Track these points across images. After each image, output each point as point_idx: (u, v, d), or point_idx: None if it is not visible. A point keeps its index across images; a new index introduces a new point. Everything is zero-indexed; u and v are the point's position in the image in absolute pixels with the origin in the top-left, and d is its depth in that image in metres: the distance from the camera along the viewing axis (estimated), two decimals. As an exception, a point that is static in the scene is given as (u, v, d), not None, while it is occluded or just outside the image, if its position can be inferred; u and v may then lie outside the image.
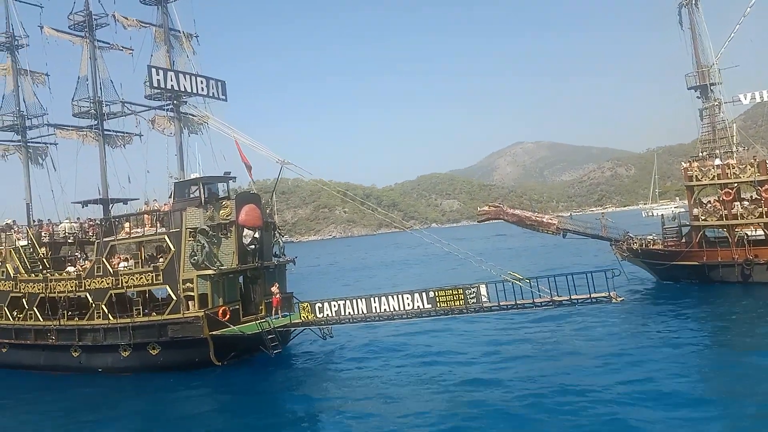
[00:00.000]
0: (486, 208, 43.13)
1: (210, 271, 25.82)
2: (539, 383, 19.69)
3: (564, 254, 63.69)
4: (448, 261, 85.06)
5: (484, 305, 21.94)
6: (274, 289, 27.65)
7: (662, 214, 52.70)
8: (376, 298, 23.99)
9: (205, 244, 25.86)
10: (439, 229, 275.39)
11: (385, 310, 23.75)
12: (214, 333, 25.51)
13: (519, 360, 23.12)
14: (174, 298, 26.24)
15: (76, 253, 33.99)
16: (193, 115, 30.35)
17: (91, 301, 28.11)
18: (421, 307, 23.02)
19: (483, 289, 22.00)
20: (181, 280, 26.11)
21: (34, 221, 34.40)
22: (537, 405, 17.73)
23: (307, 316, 25.46)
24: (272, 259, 29.02)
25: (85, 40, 31.59)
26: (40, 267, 31.55)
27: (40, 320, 29.57)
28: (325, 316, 25.05)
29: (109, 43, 32.58)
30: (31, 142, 35.49)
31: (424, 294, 23.03)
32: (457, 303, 22.31)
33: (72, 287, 28.72)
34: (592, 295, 20.69)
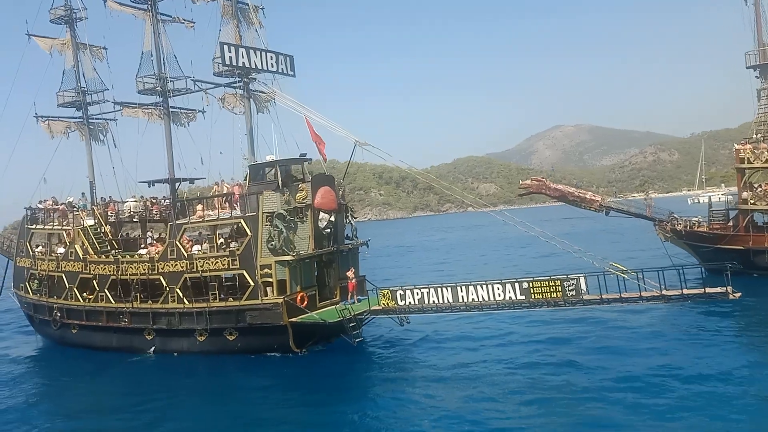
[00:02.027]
0: (528, 181, 41.88)
1: (288, 257, 25.07)
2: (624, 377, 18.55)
3: (607, 240, 61.86)
4: (488, 246, 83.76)
5: (584, 298, 20.70)
6: (350, 273, 26.83)
7: (710, 197, 51.65)
8: (463, 287, 22.99)
9: (283, 229, 25.08)
10: (476, 213, 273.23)
11: (473, 299, 22.75)
12: (293, 320, 24.82)
13: (589, 353, 21.93)
14: (251, 283, 25.58)
15: (144, 234, 33.71)
16: (263, 92, 29.39)
17: (165, 284, 27.65)
18: (514, 297, 21.93)
19: (582, 281, 20.76)
20: (258, 266, 25.41)
21: (102, 198, 34.04)
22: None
23: (387, 304, 24.58)
24: (345, 242, 28.20)
25: (148, 13, 30.59)
26: (108, 247, 31.26)
27: (111, 302, 29.28)
28: (406, 304, 24.15)
29: (170, 16, 31.42)
30: (93, 119, 34.89)
31: (516, 284, 21.93)
32: (554, 295, 21.14)
33: (145, 270, 28.30)
34: (707, 290, 19.32)
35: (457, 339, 26.57)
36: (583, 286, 20.74)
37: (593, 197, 38.75)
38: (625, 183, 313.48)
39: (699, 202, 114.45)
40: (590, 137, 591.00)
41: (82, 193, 34.19)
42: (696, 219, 40.17)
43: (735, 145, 38.46)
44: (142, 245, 30.26)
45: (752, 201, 35.44)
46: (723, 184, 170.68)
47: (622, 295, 20.29)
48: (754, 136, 38.22)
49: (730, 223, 37.61)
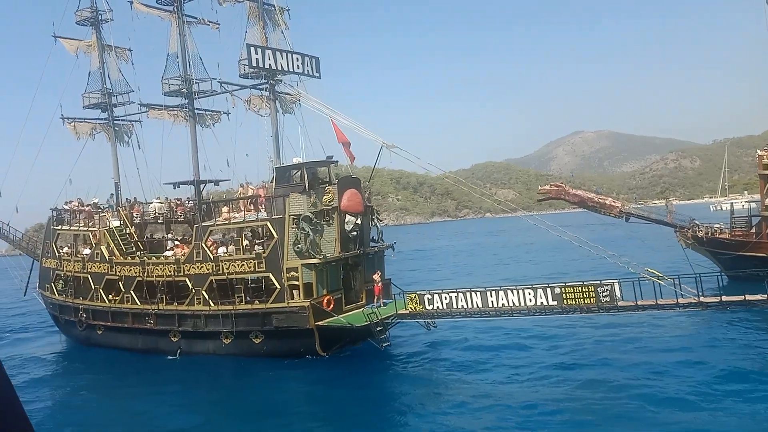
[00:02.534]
0: (547, 187, 41.34)
1: (315, 260, 24.86)
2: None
3: (629, 246, 60.95)
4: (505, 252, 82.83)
5: (619, 304, 20.20)
6: (376, 276, 26.55)
7: (732, 203, 50.78)
8: (493, 292, 22.58)
9: (309, 232, 24.88)
10: (493, 219, 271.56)
11: (503, 305, 22.32)
12: (320, 323, 24.59)
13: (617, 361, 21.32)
14: (277, 286, 25.39)
15: (167, 235, 33.75)
16: (288, 94, 29.26)
17: (190, 286, 27.57)
18: (545, 303, 21.47)
19: (617, 287, 20.27)
20: (285, 269, 25.22)
21: (128, 200, 34.12)
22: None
23: (414, 308, 24.25)
24: (371, 245, 27.93)
25: (174, 15, 30.65)
26: (133, 249, 31.30)
27: (137, 304, 29.28)
28: (434, 308, 23.79)
29: (196, 18, 31.51)
30: (118, 120, 35.02)
31: (548, 289, 21.48)
32: (588, 301, 20.66)
33: (171, 272, 28.25)
34: (747, 297, 18.71)
35: (484, 343, 26.21)
36: (618, 292, 20.26)
37: (613, 203, 38.31)
38: (646, 190, 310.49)
39: (722, 209, 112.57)
40: (610, 143, 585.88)
41: (111, 194, 34.28)
42: (718, 226, 39.61)
43: (758, 151, 37.68)
44: (168, 247, 30.23)
45: None
46: (746, 192, 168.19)
47: (658, 302, 19.78)
48: None
49: (753, 230, 36.87)
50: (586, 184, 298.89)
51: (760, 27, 38.21)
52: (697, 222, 39.94)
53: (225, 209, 28.04)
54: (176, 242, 31.98)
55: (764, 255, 34.45)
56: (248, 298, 26.52)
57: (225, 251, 27.44)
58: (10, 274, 40.55)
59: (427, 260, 75.14)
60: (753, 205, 46.85)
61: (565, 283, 21.59)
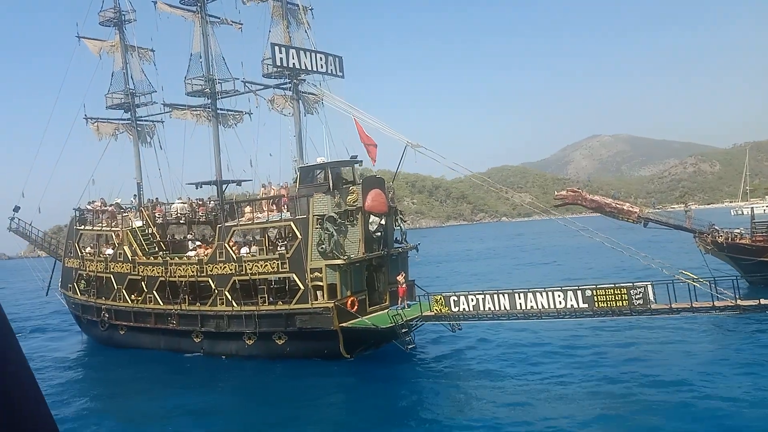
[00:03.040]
0: (564, 192, 40.84)
1: (339, 261, 24.59)
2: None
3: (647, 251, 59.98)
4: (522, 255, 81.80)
5: (653, 307, 19.69)
6: (400, 278, 26.20)
7: (752, 208, 49.62)
8: (522, 294, 22.16)
9: (333, 232, 24.63)
10: (509, 223, 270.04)
11: (531, 307, 21.88)
12: (344, 325, 24.31)
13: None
14: (301, 287, 25.17)
15: (188, 235, 33.72)
16: (312, 94, 29.09)
17: (213, 287, 27.44)
18: (576, 306, 21.00)
19: (650, 289, 19.77)
20: (308, 269, 24.99)
21: (150, 200, 34.14)
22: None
23: (440, 309, 23.88)
24: (394, 246, 27.63)
25: (197, 15, 30.64)
26: (156, 249, 31.27)
27: (160, 304, 29.21)
28: (461, 310, 23.41)
29: (218, 18, 31.52)
30: (140, 121, 35.07)
31: (579, 291, 21.02)
32: (620, 303, 20.17)
33: (193, 272, 28.15)
34: (787, 301, 18.15)
35: (510, 346, 25.74)
36: (651, 295, 19.76)
37: (631, 208, 37.67)
38: (664, 194, 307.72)
39: (743, 213, 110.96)
40: (628, 147, 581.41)
41: (134, 195, 34.35)
42: (738, 231, 38.89)
43: None
44: (191, 248, 30.17)
45: None
46: (767, 196, 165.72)
47: (694, 305, 19.23)
48: None
49: None
50: (604, 188, 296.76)
51: None
52: (716, 227, 39.25)
53: (248, 209, 27.89)
54: (197, 243, 31.93)
55: None
56: (271, 299, 26.33)
57: (248, 251, 27.28)
58: (32, 275, 40.76)
59: (446, 263, 74.75)
60: None
61: (595, 285, 21.11)
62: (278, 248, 26.42)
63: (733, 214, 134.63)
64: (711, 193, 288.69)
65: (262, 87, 28.08)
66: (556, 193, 42.87)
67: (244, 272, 26.62)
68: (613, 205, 38.17)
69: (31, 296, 57.34)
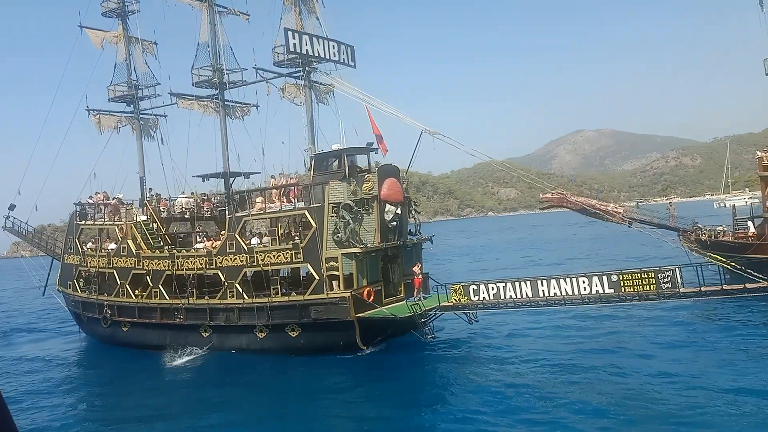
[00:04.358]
0: (549, 195, 40.83)
1: (356, 250, 24.09)
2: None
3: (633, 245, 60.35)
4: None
5: (681, 291, 19.50)
6: (416, 269, 25.80)
7: (734, 205, 50.23)
8: (544, 281, 21.84)
9: (350, 221, 24.17)
10: (496, 217, 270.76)
11: (555, 294, 21.58)
12: (361, 315, 23.84)
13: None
14: (316, 277, 24.66)
15: (194, 230, 33.02)
16: (323, 84, 28.58)
17: (223, 279, 26.81)
18: (601, 292, 20.72)
19: (678, 273, 19.58)
20: (323, 259, 24.49)
21: (151, 195, 33.38)
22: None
23: (459, 299, 23.52)
24: (408, 238, 27.23)
25: (204, 3, 30.12)
26: (161, 243, 30.57)
27: (166, 298, 28.50)
28: (480, 299, 23.06)
29: (226, 8, 31.05)
30: (143, 114, 34.35)
31: (604, 277, 20.73)
32: (648, 288, 19.93)
33: (202, 264, 27.50)
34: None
35: (525, 335, 25.35)
36: (679, 279, 19.57)
37: (615, 209, 37.69)
38: (647, 188, 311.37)
39: (725, 206, 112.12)
40: (611, 142, 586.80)
41: (149, 189, 33.59)
42: (721, 228, 39.34)
43: (758, 152, 37.12)
44: (199, 241, 29.51)
45: None
46: (747, 189, 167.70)
47: (724, 287, 19.05)
48: None
49: (755, 232, 36.08)
50: (588, 182, 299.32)
51: (758, 26, 38.15)
52: (699, 225, 39.82)
53: (259, 200, 27.30)
54: (204, 239, 31.31)
55: (767, 256, 33.91)
56: (284, 290, 25.80)
57: (258, 242, 26.71)
58: (22, 274, 39.68)
59: (444, 257, 74.33)
60: (755, 201, 46.26)
61: (621, 270, 20.89)
62: (293, 238, 25.83)
63: (715, 206, 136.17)
64: (692, 186, 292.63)
65: (275, 75, 27.50)
66: (541, 195, 42.90)
67: (255, 263, 26.06)
68: (598, 206, 38.15)
69: (28, 296, 56.16)
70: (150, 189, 33.29)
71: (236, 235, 26.61)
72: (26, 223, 37.71)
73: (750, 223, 37.99)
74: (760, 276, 18.54)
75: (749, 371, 17.55)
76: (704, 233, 38.22)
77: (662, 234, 38.68)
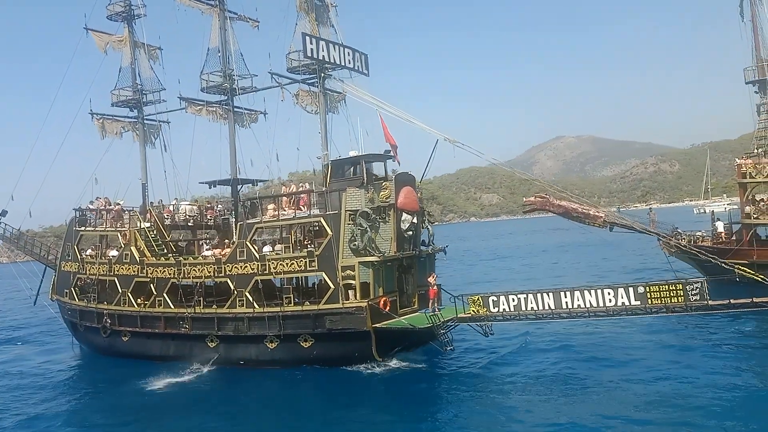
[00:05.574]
0: (532, 198, 41.06)
1: (373, 258, 23.60)
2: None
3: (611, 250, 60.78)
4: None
5: (710, 303, 19.34)
6: (431, 279, 25.33)
7: (713, 211, 51.52)
8: (568, 293, 21.50)
9: (367, 228, 23.71)
10: (478, 223, 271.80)
11: (579, 306, 21.29)
12: (378, 326, 23.36)
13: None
14: (331, 286, 24.11)
15: (195, 238, 32.34)
16: (335, 92, 28.16)
17: (232, 287, 26.15)
18: (627, 304, 20.48)
19: (706, 285, 19.44)
20: (339, 267, 23.97)
21: (152, 202, 32.61)
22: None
23: (477, 311, 23.12)
24: (421, 248, 26.81)
25: (215, 8, 29.60)
26: (165, 250, 29.83)
27: (171, 307, 27.73)
28: (500, 311, 22.68)
29: (236, 14, 30.58)
30: (148, 120, 33.61)
31: (631, 289, 20.48)
32: (675, 300, 19.75)
33: (210, 272, 26.81)
34: None
35: (542, 351, 24.94)
36: (707, 291, 19.43)
37: (597, 213, 38.02)
38: (627, 194, 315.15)
39: (705, 212, 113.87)
40: (592, 148, 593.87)
41: (159, 201, 32.85)
42: (700, 233, 40.35)
43: (737, 159, 38.75)
44: (206, 248, 28.82)
45: (755, 215, 35.33)
46: (725, 195, 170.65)
47: (754, 300, 18.93)
48: (755, 150, 38.37)
49: (734, 238, 37.61)
50: (569, 188, 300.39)
51: (738, 35, 39.34)
52: (679, 230, 40.44)
53: (271, 206, 26.72)
54: (210, 246, 30.60)
55: (746, 261, 33.90)
56: (297, 300, 25.23)
57: (270, 250, 26.14)
58: (12, 283, 38.50)
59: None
60: (734, 207, 47.25)
61: (647, 282, 20.71)
62: (306, 246, 25.30)
63: (696, 212, 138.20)
64: (671, 192, 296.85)
65: (290, 81, 26.99)
66: (524, 199, 43.13)
67: (267, 272, 25.47)
68: (580, 210, 38.31)
69: (18, 305, 54.53)
70: (159, 200, 32.57)
71: (247, 243, 26.00)
72: (18, 229, 36.67)
73: (719, 223, 39.77)
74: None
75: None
76: (684, 238, 38.97)
77: (643, 239, 39.28)
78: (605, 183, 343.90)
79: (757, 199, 36.84)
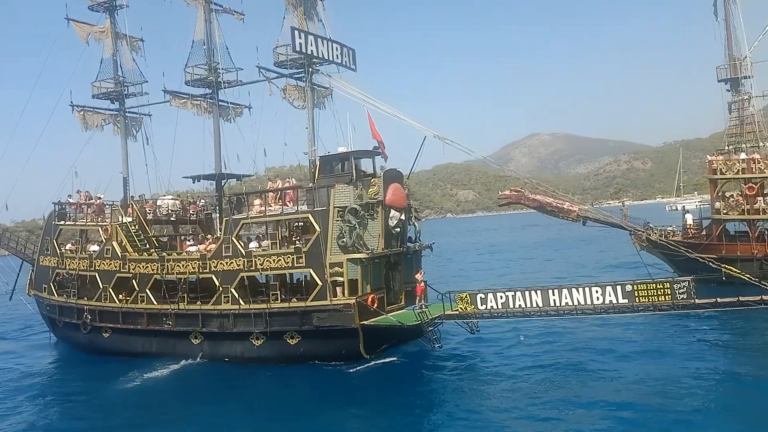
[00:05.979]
0: (507, 192, 41.63)
1: (362, 255, 23.48)
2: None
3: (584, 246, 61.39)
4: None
5: (697, 302, 19.65)
6: (419, 276, 25.26)
7: (684, 207, 53.24)
8: (556, 290, 21.71)
9: (356, 225, 23.59)
10: (454, 219, 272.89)
11: (566, 303, 21.48)
12: (366, 323, 23.28)
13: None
14: (319, 282, 23.95)
15: (176, 233, 31.90)
16: (322, 87, 27.95)
17: (217, 284, 25.83)
18: (615, 302, 20.73)
19: (693, 284, 19.74)
20: (327, 264, 23.82)
21: (133, 197, 32.04)
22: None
23: (465, 308, 23.19)
24: (408, 244, 26.79)
25: (200, 1, 29.13)
26: (147, 245, 29.35)
27: (154, 303, 27.31)
28: (488, 308, 22.77)
29: (221, 6, 30.17)
30: (130, 112, 32.98)
31: (618, 287, 20.72)
32: (662, 299, 20.03)
33: (195, 268, 26.44)
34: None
35: (530, 346, 25.00)
36: (694, 290, 19.73)
37: (570, 207, 38.59)
38: (600, 191, 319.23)
39: (677, 209, 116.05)
40: (566, 145, 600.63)
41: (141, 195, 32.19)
42: (671, 228, 41.42)
43: (708, 156, 39.58)
44: (191, 244, 28.43)
45: (725, 211, 36.26)
46: (696, 192, 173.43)
47: (740, 298, 19.26)
48: (726, 147, 39.42)
49: (704, 233, 38.52)
50: (543, 185, 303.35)
51: (709, 34, 40.40)
52: (651, 225, 41.22)
53: (258, 202, 26.43)
54: (188, 240, 30.21)
55: (714, 256, 35.24)
56: (283, 296, 25.02)
57: (257, 246, 25.88)
58: None
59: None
60: (706, 204, 48.56)
61: (634, 280, 20.97)
62: (295, 242, 25.09)
63: (668, 209, 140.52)
64: (644, 189, 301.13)
65: (277, 75, 26.67)
66: (500, 193, 43.62)
67: (253, 268, 25.21)
68: (554, 204, 38.80)
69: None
70: (141, 195, 31.98)
71: (233, 239, 25.70)
72: None
73: (688, 216, 41.17)
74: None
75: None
76: (655, 233, 39.78)
77: (615, 235, 39.81)
78: (579, 180, 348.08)
79: (727, 195, 37.77)
